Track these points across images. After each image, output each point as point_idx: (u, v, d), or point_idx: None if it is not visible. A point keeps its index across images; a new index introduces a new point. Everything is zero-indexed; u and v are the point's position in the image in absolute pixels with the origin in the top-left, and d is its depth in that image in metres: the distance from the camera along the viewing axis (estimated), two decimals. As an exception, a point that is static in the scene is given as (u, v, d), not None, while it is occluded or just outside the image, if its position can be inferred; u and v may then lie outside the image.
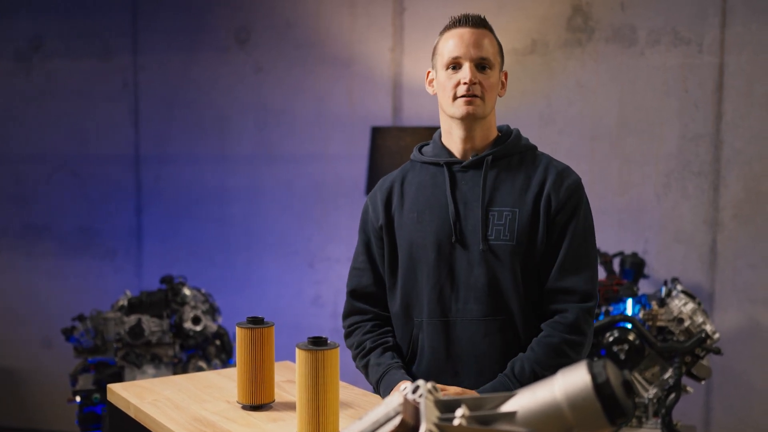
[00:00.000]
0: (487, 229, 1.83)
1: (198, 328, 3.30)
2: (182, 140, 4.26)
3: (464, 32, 1.85)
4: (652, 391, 2.95)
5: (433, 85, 1.93)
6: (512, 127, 1.98)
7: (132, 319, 3.23)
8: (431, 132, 3.40)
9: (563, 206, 1.83)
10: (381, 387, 1.87)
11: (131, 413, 1.89)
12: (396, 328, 1.95)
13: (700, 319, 2.94)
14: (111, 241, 4.36)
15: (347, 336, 2.00)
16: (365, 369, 1.94)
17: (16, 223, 4.46)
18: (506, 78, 1.93)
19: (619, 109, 3.64)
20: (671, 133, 3.57)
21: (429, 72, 1.95)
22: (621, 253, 3.44)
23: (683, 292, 3.04)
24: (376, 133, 3.63)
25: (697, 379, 2.98)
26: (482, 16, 1.89)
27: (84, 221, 4.39)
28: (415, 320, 1.90)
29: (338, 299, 4.06)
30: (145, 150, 4.31)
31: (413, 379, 1.88)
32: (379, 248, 1.95)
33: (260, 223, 4.18)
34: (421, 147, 2.00)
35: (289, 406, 1.85)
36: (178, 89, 4.25)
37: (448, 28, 1.90)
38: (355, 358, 1.98)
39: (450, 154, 1.91)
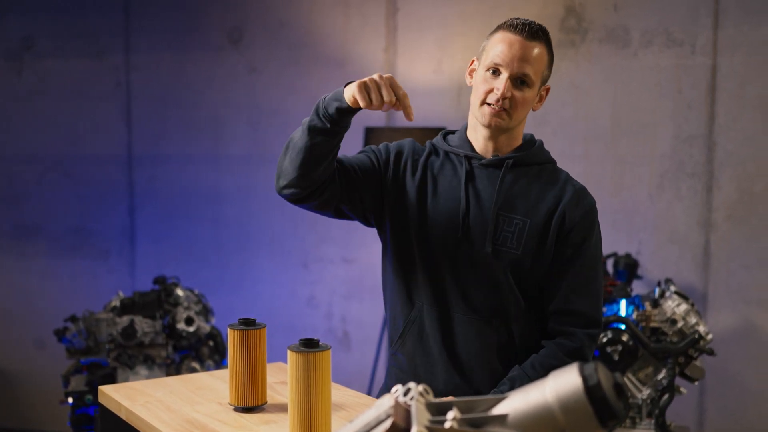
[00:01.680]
0: (495, 232, 1.81)
1: (191, 329, 3.29)
2: (175, 140, 4.25)
3: (515, 41, 1.77)
4: (646, 392, 2.95)
5: (473, 75, 1.87)
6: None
7: (124, 320, 3.22)
8: (425, 132, 3.39)
9: (575, 226, 1.79)
10: (327, 99, 1.85)
11: (122, 415, 1.88)
12: (395, 304, 1.92)
13: (693, 320, 2.94)
14: (104, 241, 4.35)
15: None
16: (294, 140, 1.86)
17: (8, 223, 4.45)
18: (547, 93, 1.87)
19: (613, 110, 3.64)
20: (665, 134, 3.58)
21: (473, 61, 1.87)
22: (614, 254, 3.45)
23: (676, 293, 3.04)
24: (370, 133, 3.62)
25: (691, 380, 2.98)
26: (541, 28, 1.80)
27: (77, 221, 4.37)
28: (416, 303, 1.87)
29: (333, 300, 4.06)
30: (138, 150, 4.30)
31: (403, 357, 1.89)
32: (370, 168, 1.91)
33: (254, 224, 4.17)
34: (446, 135, 1.96)
35: (282, 408, 1.84)
36: (171, 89, 4.24)
37: (503, 28, 1.81)
38: (285, 148, 1.89)
39: (472, 148, 1.88)
